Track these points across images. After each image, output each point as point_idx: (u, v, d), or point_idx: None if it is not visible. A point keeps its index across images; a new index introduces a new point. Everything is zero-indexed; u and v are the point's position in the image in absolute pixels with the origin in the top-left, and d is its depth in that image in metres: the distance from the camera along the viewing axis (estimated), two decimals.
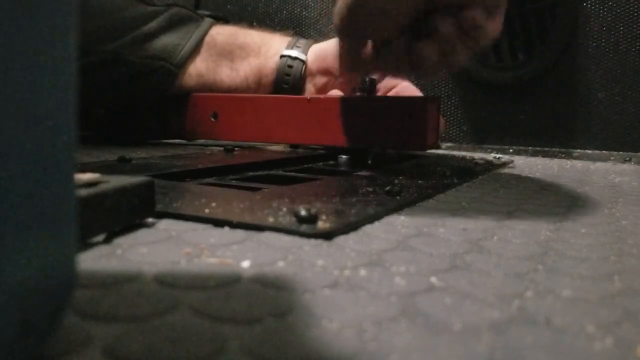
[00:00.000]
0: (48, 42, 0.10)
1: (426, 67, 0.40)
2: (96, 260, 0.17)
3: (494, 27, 0.39)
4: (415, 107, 0.46)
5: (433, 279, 0.17)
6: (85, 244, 0.19)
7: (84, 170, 0.21)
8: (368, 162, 0.47)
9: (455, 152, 0.65)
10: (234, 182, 0.36)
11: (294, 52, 0.56)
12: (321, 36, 0.80)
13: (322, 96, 0.51)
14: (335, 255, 0.19)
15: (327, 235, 0.21)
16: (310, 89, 0.56)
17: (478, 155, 0.62)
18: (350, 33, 0.40)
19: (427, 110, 0.46)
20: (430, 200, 0.30)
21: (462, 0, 0.36)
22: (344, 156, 0.49)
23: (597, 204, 0.32)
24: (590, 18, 0.64)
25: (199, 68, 0.56)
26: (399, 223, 0.24)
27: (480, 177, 0.42)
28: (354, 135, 0.48)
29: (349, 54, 0.42)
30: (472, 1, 0.36)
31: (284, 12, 0.86)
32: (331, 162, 0.51)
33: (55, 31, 0.11)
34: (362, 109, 0.47)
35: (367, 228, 0.23)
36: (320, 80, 0.55)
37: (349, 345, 0.12)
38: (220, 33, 0.57)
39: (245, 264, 0.18)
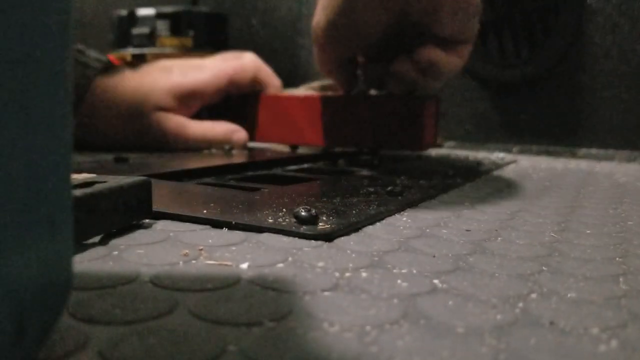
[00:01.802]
0: (44, 43, 0.10)
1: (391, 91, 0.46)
2: (92, 261, 0.17)
3: (454, 62, 0.41)
4: (412, 106, 0.46)
5: (435, 281, 0.17)
6: (81, 246, 0.19)
7: (79, 170, 0.21)
8: (374, 163, 0.47)
9: (458, 152, 0.64)
10: (232, 182, 0.36)
11: None
12: None
13: (317, 95, 0.51)
14: (335, 257, 0.19)
15: (328, 237, 0.21)
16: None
17: (481, 154, 0.61)
18: (327, 45, 0.42)
19: (424, 110, 0.45)
20: (433, 200, 0.30)
21: (429, 12, 0.38)
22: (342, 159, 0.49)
23: (602, 205, 0.31)
24: (595, 15, 0.64)
25: None
26: (401, 224, 0.24)
27: (483, 177, 0.41)
28: (350, 136, 0.48)
29: (322, 62, 0.44)
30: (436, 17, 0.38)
31: (283, 8, 0.86)
32: (331, 161, 0.51)
33: (52, 32, 0.11)
34: (358, 108, 0.47)
35: (369, 229, 0.23)
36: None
37: (350, 348, 0.12)
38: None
39: (244, 265, 0.17)
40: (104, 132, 0.52)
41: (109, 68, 0.53)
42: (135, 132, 0.52)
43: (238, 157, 0.46)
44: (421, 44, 0.40)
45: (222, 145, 0.53)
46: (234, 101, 0.56)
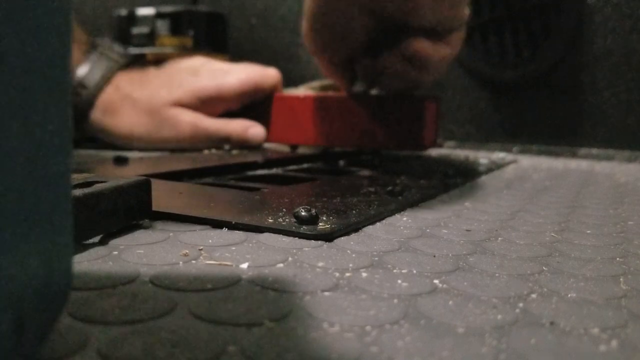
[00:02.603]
0: (43, 42, 0.10)
1: (387, 89, 0.45)
2: (92, 261, 0.17)
3: (443, 51, 0.40)
4: (412, 106, 0.45)
5: (436, 281, 0.17)
6: (81, 246, 0.19)
7: (79, 170, 0.21)
8: (374, 163, 0.46)
9: (458, 152, 0.64)
10: (232, 182, 0.36)
11: None
12: None
13: (318, 95, 0.51)
14: (336, 257, 0.19)
15: (328, 237, 0.21)
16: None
17: (481, 154, 0.61)
18: (316, 48, 0.42)
19: (425, 110, 0.45)
20: (433, 200, 0.30)
21: (408, 17, 0.37)
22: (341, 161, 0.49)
23: (602, 205, 0.31)
24: (595, 15, 0.64)
25: None
26: (401, 224, 0.24)
27: (483, 177, 0.41)
28: (351, 136, 0.48)
29: (321, 64, 0.44)
30: (417, 23, 0.37)
31: (284, 8, 0.86)
32: (331, 161, 0.51)
33: (51, 31, 0.11)
34: (359, 108, 0.47)
35: (369, 229, 0.23)
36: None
37: (350, 348, 0.12)
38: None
39: (244, 265, 0.17)
40: (120, 126, 0.52)
41: (133, 63, 0.53)
42: (152, 126, 0.52)
43: (238, 157, 0.46)
44: (409, 36, 0.39)
45: (237, 142, 0.53)
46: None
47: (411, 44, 0.38)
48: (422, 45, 0.38)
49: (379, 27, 0.40)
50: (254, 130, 0.53)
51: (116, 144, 0.53)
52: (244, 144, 0.53)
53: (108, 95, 0.51)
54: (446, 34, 0.40)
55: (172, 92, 0.51)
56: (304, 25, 0.41)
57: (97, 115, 0.51)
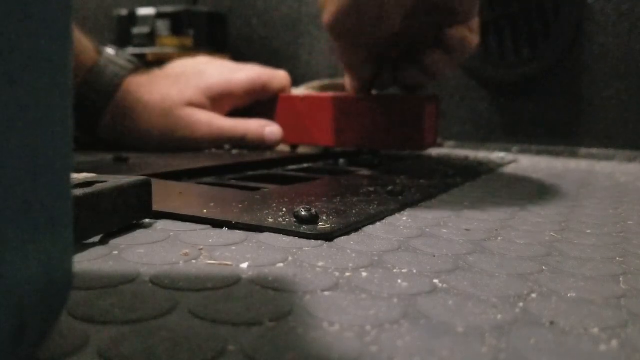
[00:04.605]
0: (45, 42, 0.10)
1: (411, 87, 0.46)
2: (92, 261, 0.17)
3: (472, 37, 0.41)
4: (412, 106, 0.45)
5: (436, 281, 0.17)
6: (82, 245, 0.19)
7: (80, 169, 0.21)
8: (374, 163, 0.46)
9: (458, 152, 0.64)
10: (232, 182, 0.36)
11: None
12: (321, 32, 0.80)
13: (316, 95, 0.51)
14: (336, 257, 0.19)
15: (328, 236, 0.21)
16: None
17: (481, 154, 0.61)
18: (342, 34, 0.40)
19: (424, 109, 0.45)
20: (433, 200, 0.30)
21: (449, 4, 0.38)
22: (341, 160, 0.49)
23: (602, 204, 0.31)
24: (595, 15, 0.64)
25: None
26: (401, 223, 0.24)
27: (483, 176, 0.41)
28: (352, 136, 0.48)
29: (343, 56, 0.43)
30: (452, 8, 0.38)
31: (284, 8, 0.86)
32: (331, 161, 0.51)
33: (52, 30, 0.11)
34: (359, 108, 0.47)
35: (369, 229, 0.23)
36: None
37: (350, 347, 0.12)
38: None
39: (245, 265, 0.17)
40: (133, 129, 0.52)
41: (140, 68, 0.53)
42: (167, 127, 0.51)
43: (238, 157, 0.46)
44: (441, 27, 0.40)
45: (253, 140, 0.52)
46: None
47: (454, 31, 0.39)
48: (463, 32, 0.40)
49: (417, 8, 0.39)
50: (270, 129, 0.53)
51: (131, 146, 0.52)
52: (260, 144, 0.52)
53: (119, 100, 0.51)
54: (469, 19, 0.40)
55: (183, 92, 0.51)
56: (336, 6, 0.38)
57: (109, 120, 0.51)
